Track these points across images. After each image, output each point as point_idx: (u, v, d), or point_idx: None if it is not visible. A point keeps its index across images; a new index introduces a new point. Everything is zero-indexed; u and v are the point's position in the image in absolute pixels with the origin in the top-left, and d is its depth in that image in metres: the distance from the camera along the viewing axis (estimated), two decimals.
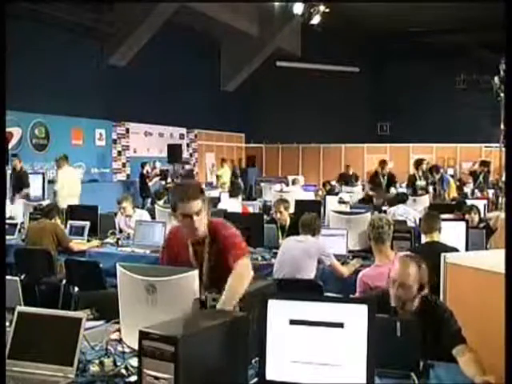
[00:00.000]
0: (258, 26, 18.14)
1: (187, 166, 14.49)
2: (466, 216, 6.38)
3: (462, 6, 15.82)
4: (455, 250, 4.46)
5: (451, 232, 4.91)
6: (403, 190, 11.04)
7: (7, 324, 2.65)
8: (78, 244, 6.26)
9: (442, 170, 11.25)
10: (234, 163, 18.08)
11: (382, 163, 10.83)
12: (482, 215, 7.42)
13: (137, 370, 2.01)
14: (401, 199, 7.99)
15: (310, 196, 10.74)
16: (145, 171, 13.94)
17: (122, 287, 2.66)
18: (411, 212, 7.50)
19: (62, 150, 13.09)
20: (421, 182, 10.24)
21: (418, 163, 10.94)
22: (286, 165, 20.51)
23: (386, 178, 10.54)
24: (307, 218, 5.16)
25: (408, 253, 3.15)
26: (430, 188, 10.43)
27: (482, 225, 6.43)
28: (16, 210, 8.00)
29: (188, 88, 16.89)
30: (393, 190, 9.99)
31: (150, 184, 13.63)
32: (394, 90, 21.11)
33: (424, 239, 4.80)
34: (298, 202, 8.50)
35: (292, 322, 2.14)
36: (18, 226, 7.09)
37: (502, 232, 4.58)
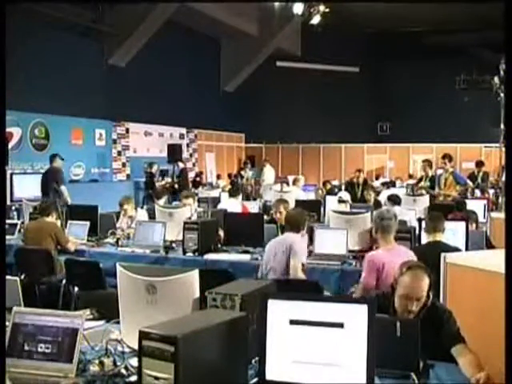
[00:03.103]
0: (258, 26, 18.15)
1: (181, 165, 14.47)
2: None
3: (462, 6, 15.82)
4: (458, 250, 4.48)
5: (451, 232, 4.92)
6: (403, 189, 11.03)
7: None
8: (77, 243, 6.25)
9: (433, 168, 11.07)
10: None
11: (358, 172, 12.03)
12: (483, 216, 7.43)
13: (137, 370, 2.01)
14: (395, 201, 7.92)
15: (310, 196, 10.74)
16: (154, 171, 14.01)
17: (121, 287, 2.66)
18: (407, 213, 7.45)
19: (62, 150, 13.12)
20: (425, 183, 10.20)
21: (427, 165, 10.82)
22: (286, 165, 20.50)
23: (360, 187, 11.34)
24: (292, 214, 5.15)
25: (413, 261, 3.06)
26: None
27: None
28: None
29: (188, 88, 16.89)
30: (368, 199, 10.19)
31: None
32: (394, 90, 21.10)
33: (427, 239, 4.81)
34: (298, 202, 8.50)
35: (292, 322, 2.14)
36: (18, 226, 7.08)
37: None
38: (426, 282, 2.85)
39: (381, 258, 4.23)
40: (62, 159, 10.11)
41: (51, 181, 9.70)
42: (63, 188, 9.63)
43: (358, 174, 11.93)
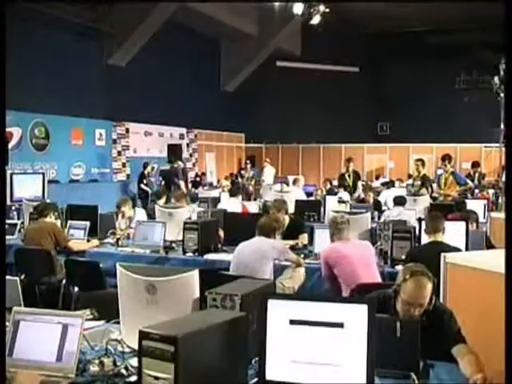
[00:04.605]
0: (258, 26, 18.16)
1: (180, 164, 14.46)
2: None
3: (462, 6, 15.82)
4: (458, 250, 4.47)
5: (451, 232, 4.91)
6: (403, 189, 11.01)
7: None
8: (76, 244, 6.25)
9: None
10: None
11: (347, 162, 11.12)
12: (483, 216, 7.42)
13: (137, 369, 2.01)
14: (398, 202, 7.92)
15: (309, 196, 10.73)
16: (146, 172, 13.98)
17: (122, 287, 2.66)
18: (406, 214, 7.43)
19: (62, 150, 13.15)
20: (416, 183, 10.21)
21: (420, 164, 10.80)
22: (286, 165, 20.51)
23: (351, 176, 10.80)
24: (263, 221, 5.18)
25: (416, 266, 3.00)
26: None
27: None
28: None
29: (188, 88, 16.89)
30: (359, 186, 10.56)
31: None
32: (394, 90, 21.10)
33: (427, 239, 4.80)
34: (298, 202, 8.49)
35: (292, 322, 2.14)
36: (18, 226, 7.08)
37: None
38: (429, 288, 2.82)
39: (328, 253, 4.79)
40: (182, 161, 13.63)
41: (173, 176, 12.69)
42: (181, 182, 12.48)
43: (347, 163, 11.01)
